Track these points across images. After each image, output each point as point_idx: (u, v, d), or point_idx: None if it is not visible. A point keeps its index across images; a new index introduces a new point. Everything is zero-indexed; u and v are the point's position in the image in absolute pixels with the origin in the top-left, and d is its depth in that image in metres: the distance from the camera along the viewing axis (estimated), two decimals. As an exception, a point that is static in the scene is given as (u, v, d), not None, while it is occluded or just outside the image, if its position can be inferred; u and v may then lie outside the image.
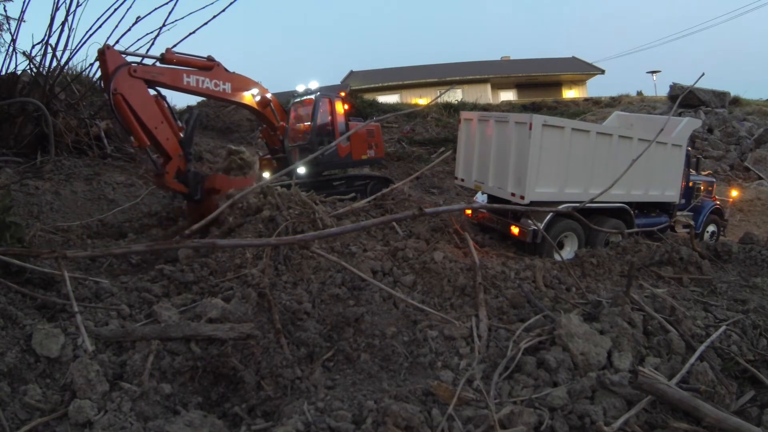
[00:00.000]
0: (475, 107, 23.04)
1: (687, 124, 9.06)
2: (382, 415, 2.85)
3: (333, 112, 10.34)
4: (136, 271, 5.49)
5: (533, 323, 4.27)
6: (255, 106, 8.58)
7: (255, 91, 8.52)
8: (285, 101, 10.54)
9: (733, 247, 7.53)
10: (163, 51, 7.28)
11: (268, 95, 8.79)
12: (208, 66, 7.69)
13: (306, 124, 10.23)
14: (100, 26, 9.89)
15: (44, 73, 10.12)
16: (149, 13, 9.64)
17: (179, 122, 7.62)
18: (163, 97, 7.35)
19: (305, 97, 10.46)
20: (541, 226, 6.88)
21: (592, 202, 6.23)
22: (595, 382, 3.25)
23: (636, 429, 2.91)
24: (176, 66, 7.34)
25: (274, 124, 9.25)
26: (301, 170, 9.72)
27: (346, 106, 10.59)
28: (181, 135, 7.32)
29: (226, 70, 7.93)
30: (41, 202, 8.05)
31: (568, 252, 7.45)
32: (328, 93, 10.57)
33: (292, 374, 3.49)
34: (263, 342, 3.72)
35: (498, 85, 33.24)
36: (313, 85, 10.64)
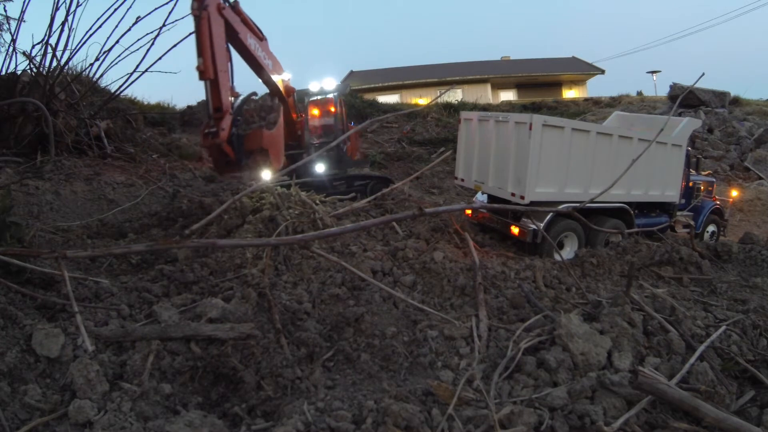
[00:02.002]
0: (475, 107, 23.02)
1: (687, 124, 9.06)
2: (382, 415, 2.85)
3: (344, 112, 10.63)
4: (136, 271, 5.49)
5: (533, 323, 4.27)
6: (283, 91, 8.63)
7: (286, 76, 8.61)
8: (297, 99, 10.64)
9: (733, 247, 7.54)
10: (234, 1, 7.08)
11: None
12: (261, 37, 7.74)
13: (326, 120, 10.43)
14: (100, 26, 9.91)
15: (44, 73, 10.11)
16: (149, 13, 9.67)
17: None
18: (230, 57, 7.00)
19: (324, 95, 10.55)
20: (541, 226, 6.88)
21: (592, 202, 6.23)
22: (595, 382, 3.25)
23: (636, 429, 2.91)
24: (241, 22, 7.23)
25: (293, 116, 9.33)
26: (321, 169, 9.87)
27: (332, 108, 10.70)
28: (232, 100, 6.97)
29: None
30: (41, 202, 8.04)
31: (568, 252, 7.45)
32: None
33: (292, 374, 3.48)
34: (263, 342, 3.71)
35: (498, 85, 33.26)
36: (328, 83, 10.57)
